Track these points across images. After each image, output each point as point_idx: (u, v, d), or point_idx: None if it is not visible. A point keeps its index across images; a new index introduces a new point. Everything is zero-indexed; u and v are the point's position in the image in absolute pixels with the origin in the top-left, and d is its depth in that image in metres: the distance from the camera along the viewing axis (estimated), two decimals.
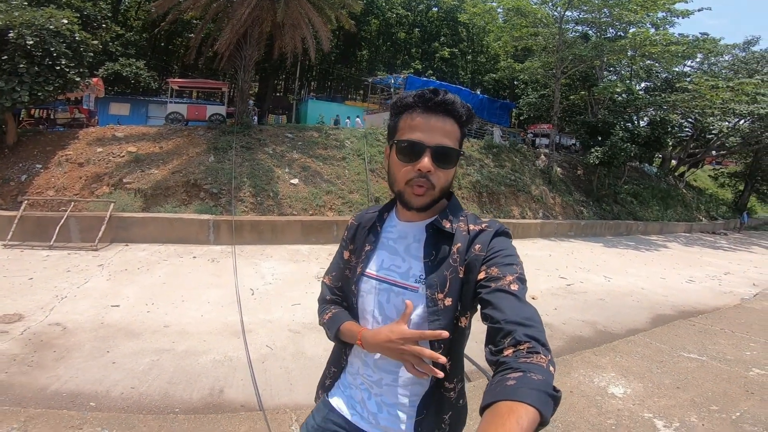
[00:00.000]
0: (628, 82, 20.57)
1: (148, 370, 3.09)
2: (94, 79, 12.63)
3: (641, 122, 21.18)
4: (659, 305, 6.25)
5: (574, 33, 17.39)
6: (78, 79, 9.54)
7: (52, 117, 11.98)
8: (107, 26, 13.39)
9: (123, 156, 9.48)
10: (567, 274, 7.83)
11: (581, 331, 4.86)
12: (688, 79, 19.08)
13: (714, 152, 24.25)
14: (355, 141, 12.12)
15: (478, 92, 23.17)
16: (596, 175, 16.46)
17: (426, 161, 0.87)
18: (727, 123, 16.85)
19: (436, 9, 28.00)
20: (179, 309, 4.40)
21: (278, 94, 27.70)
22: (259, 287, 5.41)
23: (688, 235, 18.17)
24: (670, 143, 20.56)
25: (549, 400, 0.63)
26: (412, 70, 24.90)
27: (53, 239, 6.80)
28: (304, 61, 16.79)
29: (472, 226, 0.94)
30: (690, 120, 21.60)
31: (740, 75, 20.66)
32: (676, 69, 20.60)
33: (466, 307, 0.90)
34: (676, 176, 24.49)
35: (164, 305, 4.47)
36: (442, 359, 0.79)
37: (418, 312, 0.90)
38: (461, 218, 0.96)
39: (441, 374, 0.83)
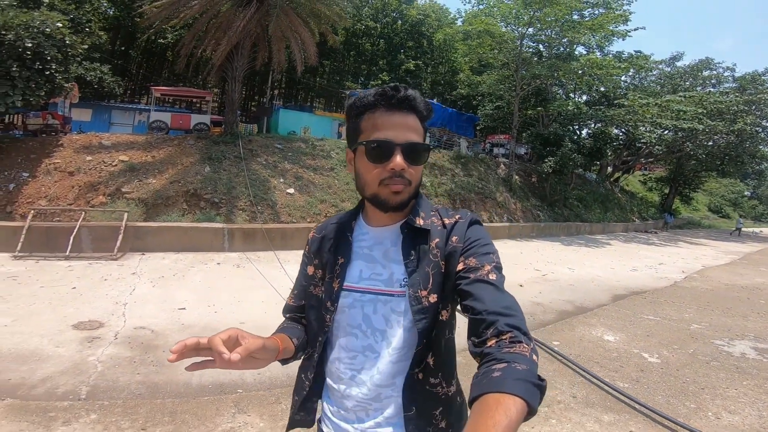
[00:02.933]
0: (572, 96, 23.02)
1: None
2: (70, 84, 12.25)
3: (583, 133, 23.75)
4: (615, 288, 7.77)
5: (528, 49, 19.28)
6: (66, 84, 9.42)
7: (23, 122, 11.46)
8: (91, 30, 13.00)
9: (116, 165, 9.47)
10: (539, 267, 9.18)
11: (564, 307, 6.18)
12: (622, 92, 21.80)
13: (643, 159, 27.43)
14: (340, 152, 12.75)
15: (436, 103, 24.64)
16: (548, 182, 18.30)
17: (398, 159, 0.85)
18: (655, 134, 19.50)
19: (401, 22, 29.13)
20: (241, 308, 4.92)
21: (253, 104, 27.46)
22: None
23: (625, 233, 20.65)
24: (609, 153, 23.17)
25: (535, 389, 0.63)
26: (379, 81, 25.82)
27: (68, 249, 6.87)
28: (286, 72, 17.14)
29: (446, 220, 0.94)
30: (623, 131, 24.44)
31: (666, 89, 23.87)
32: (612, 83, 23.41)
33: (446, 299, 0.88)
34: (612, 182, 27.48)
35: (225, 306, 4.96)
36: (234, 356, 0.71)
37: (408, 317, 0.87)
38: (432, 213, 0.96)
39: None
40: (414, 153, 0.87)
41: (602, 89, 23.25)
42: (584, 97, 24.84)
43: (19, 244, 6.81)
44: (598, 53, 19.89)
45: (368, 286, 0.92)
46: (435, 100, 26.91)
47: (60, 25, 8.95)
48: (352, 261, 0.95)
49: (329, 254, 0.98)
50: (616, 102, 20.28)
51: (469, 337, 0.78)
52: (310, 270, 1.02)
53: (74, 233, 7.06)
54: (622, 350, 4.41)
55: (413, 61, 27.97)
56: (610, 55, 20.62)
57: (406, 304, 0.88)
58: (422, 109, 0.90)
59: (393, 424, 0.89)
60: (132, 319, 4.39)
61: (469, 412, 0.88)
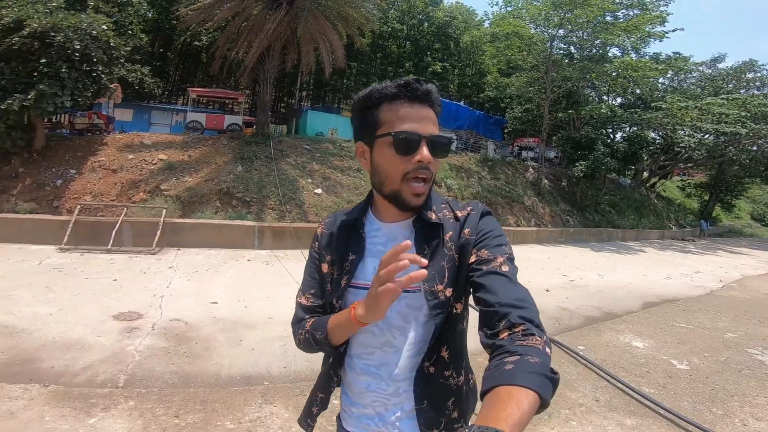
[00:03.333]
0: (606, 99, 22.33)
1: (283, 353, 3.79)
2: (114, 84, 12.92)
3: (617, 136, 23.00)
4: (646, 295, 7.54)
5: (558, 51, 18.88)
6: (110, 85, 9.90)
7: (71, 122, 12.16)
8: (132, 32, 13.64)
9: (155, 163, 9.94)
10: (567, 273, 8.99)
11: (592, 313, 6.07)
12: (659, 94, 20.96)
13: (682, 164, 26.30)
14: None
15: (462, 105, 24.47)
16: (579, 186, 17.84)
17: (426, 152, 0.84)
18: (694, 138, 18.67)
19: (427, 24, 29.08)
20: (270, 304, 5.09)
21: (283, 105, 28.10)
22: None
23: (660, 241, 19.85)
24: (645, 157, 22.34)
25: (548, 382, 0.63)
26: None
27: (110, 243, 7.28)
28: (314, 74, 17.48)
29: (458, 212, 0.93)
30: (661, 134, 23.51)
31: (707, 91, 22.79)
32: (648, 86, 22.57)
33: (459, 292, 0.88)
34: (648, 187, 26.46)
35: (255, 301, 5.15)
36: (423, 261, 0.70)
37: (423, 311, 0.88)
38: (443, 206, 0.95)
39: (423, 268, 0.71)
40: (438, 146, 0.87)
41: (638, 91, 22.48)
42: (619, 100, 24.07)
43: (66, 237, 7.26)
44: (634, 55, 19.18)
45: None
46: (462, 103, 26.76)
47: (105, 27, 9.28)
48: (366, 258, 0.93)
49: (340, 251, 0.96)
50: (653, 105, 19.55)
51: (480, 329, 0.77)
52: (325, 268, 0.98)
53: (116, 228, 7.47)
54: (650, 356, 4.35)
55: (440, 63, 27.84)
56: (647, 57, 19.88)
57: (421, 299, 0.87)
58: (438, 104, 0.91)
59: (412, 417, 0.90)
60: (168, 311, 4.61)
61: (478, 401, 0.89)
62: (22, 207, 8.22)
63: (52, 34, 8.29)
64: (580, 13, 15.40)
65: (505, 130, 23.84)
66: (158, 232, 7.52)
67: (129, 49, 11.03)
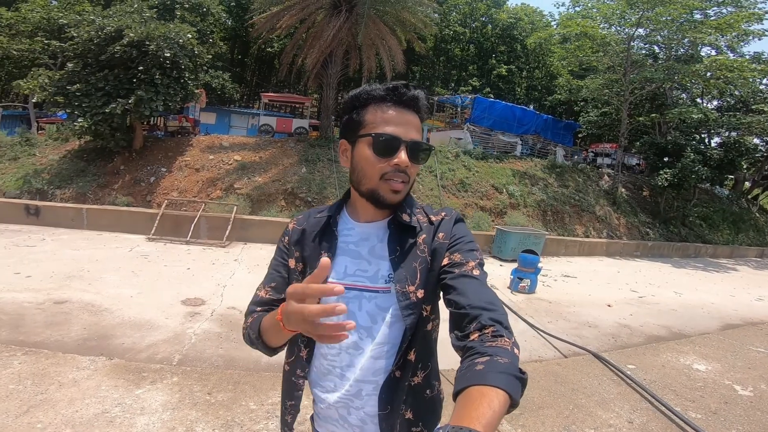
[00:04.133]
0: (699, 101, 20.08)
1: None
2: (199, 90, 14.31)
3: (712, 142, 20.54)
4: (729, 317, 6.76)
5: (639, 51, 17.34)
6: (196, 90, 10.95)
7: (164, 124, 13.69)
8: (213, 40, 15.00)
9: (231, 164, 10.85)
10: (637, 288, 8.29)
11: (657, 332, 5.58)
12: (764, 96, 18.38)
13: None
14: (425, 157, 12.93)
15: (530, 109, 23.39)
16: (664, 197, 16.24)
17: (404, 156, 0.86)
18: None
19: (491, 26, 28.36)
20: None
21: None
22: None
23: (759, 259, 17.42)
24: (745, 166, 19.71)
25: (517, 382, 0.64)
26: (469, 88, 25.46)
27: (189, 235, 8.10)
28: (376, 78, 17.99)
29: (432, 217, 0.95)
30: (765, 140, 20.61)
31: None
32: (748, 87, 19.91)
33: (429, 295, 0.89)
34: (749, 199, 23.30)
35: None
36: (351, 324, 0.63)
37: (391, 311, 0.88)
38: (417, 210, 0.97)
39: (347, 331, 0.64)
40: (417, 152, 0.89)
41: (737, 93, 19.90)
42: (715, 103, 21.49)
43: (153, 229, 8.20)
44: (731, 54, 17.02)
45: (353, 282, 0.91)
46: (531, 107, 25.64)
47: (190, 36, 10.19)
48: (337, 257, 0.93)
49: (312, 248, 0.95)
50: (754, 108, 17.21)
51: (451, 331, 0.79)
52: (292, 263, 0.97)
53: (195, 222, 8.29)
54: (710, 380, 4.06)
55: (505, 66, 26.97)
56: (747, 56, 17.56)
57: (391, 300, 0.88)
58: (424, 111, 0.92)
59: (375, 422, 0.90)
60: (227, 299, 5.05)
61: (442, 405, 0.95)
62: (121, 200, 9.44)
63: (147, 42, 9.18)
64: (662, 12, 14.05)
65: (579, 135, 22.42)
66: (229, 227, 8.22)
67: (210, 56, 12.05)
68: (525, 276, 6.74)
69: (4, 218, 8.39)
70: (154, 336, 3.86)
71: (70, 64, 9.72)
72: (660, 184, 15.17)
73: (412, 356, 0.89)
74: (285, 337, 0.82)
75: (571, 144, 20.44)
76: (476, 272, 0.85)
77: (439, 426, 0.94)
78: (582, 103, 21.75)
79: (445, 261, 0.88)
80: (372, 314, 0.90)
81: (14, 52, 14.87)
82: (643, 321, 6.00)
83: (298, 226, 1.01)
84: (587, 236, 13.18)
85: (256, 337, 0.89)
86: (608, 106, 19.01)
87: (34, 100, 14.50)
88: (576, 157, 19.18)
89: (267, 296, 0.98)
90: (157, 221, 8.29)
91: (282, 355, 1.05)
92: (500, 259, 9.62)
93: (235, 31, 23.48)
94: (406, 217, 0.93)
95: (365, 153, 0.88)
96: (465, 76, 28.11)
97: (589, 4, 16.26)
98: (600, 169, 17.60)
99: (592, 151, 21.37)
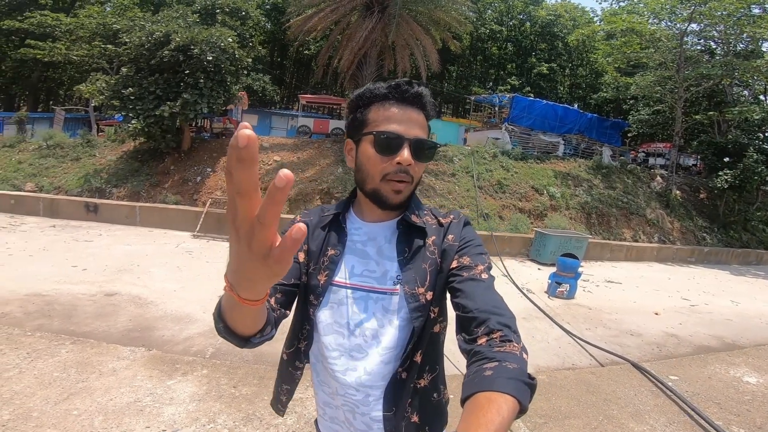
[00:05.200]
0: (762, 99, 18.49)
1: None
2: (241, 92, 14.86)
3: None
4: None
5: (695, 47, 16.21)
6: (238, 93, 11.36)
7: (210, 126, 14.36)
8: (253, 44, 15.50)
9: (270, 164, 11.19)
10: (689, 296, 7.78)
11: (708, 342, 5.23)
12: None
13: None
14: (462, 158, 12.73)
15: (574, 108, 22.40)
16: (723, 199, 15.07)
17: (406, 154, 0.84)
18: None
19: (529, 24, 27.49)
20: None
21: None
22: None
23: None
24: None
25: (526, 388, 0.63)
26: (508, 87, 24.81)
27: None
28: (414, 79, 17.89)
29: (441, 219, 0.95)
30: None
31: None
32: None
33: (437, 297, 0.88)
34: None
35: None
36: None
37: (399, 314, 0.87)
38: (426, 212, 0.96)
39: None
40: (421, 149, 0.87)
41: None
42: None
43: (198, 226, 8.62)
44: None
45: (360, 282, 0.89)
46: (575, 106, 24.59)
47: (231, 40, 10.46)
48: (345, 255, 0.92)
49: (319, 244, 0.93)
50: None
51: (458, 334, 0.78)
52: (301, 256, 0.94)
53: None
54: (760, 394, 3.77)
55: (546, 65, 26.02)
56: None
57: (399, 302, 0.86)
58: (430, 108, 0.90)
59: (381, 429, 0.89)
60: None
61: (448, 409, 0.93)
62: (171, 199, 9.98)
63: (192, 47, 9.54)
64: (716, 6, 13.06)
65: (628, 135, 21.23)
66: None
67: (250, 60, 12.39)
68: (564, 281, 6.47)
69: (66, 215, 9.13)
70: (191, 329, 4.03)
71: (124, 69, 10.36)
72: (719, 185, 14.11)
73: (418, 358, 0.87)
74: (243, 311, 0.63)
75: (619, 144, 19.40)
76: (485, 276, 0.84)
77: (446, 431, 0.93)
78: (631, 101, 20.59)
79: (454, 264, 0.87)
80: (379, 316, 0.88)
81: (75, 58, 16.05)
82: (693, 330, 5.61)
83: (304, 219, 0.98)
84: (636, 240, 12.45)
85: (222, 327, 0.70)
86: (661, 103, 17.87)
87: (93, 104, 15.57)
88: (624, 157, 18.15)
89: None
90: (201, 219, 8.71)
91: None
92: (538, 263, 9.30)
93: (274, 34, 24.09)
94: (415, 218, 0.92)
95: (368, 152, 0.87)
96: (503, 75, 27.45)
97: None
98: (652, 170, 16.58)
99: (643, 151, 20.18)
